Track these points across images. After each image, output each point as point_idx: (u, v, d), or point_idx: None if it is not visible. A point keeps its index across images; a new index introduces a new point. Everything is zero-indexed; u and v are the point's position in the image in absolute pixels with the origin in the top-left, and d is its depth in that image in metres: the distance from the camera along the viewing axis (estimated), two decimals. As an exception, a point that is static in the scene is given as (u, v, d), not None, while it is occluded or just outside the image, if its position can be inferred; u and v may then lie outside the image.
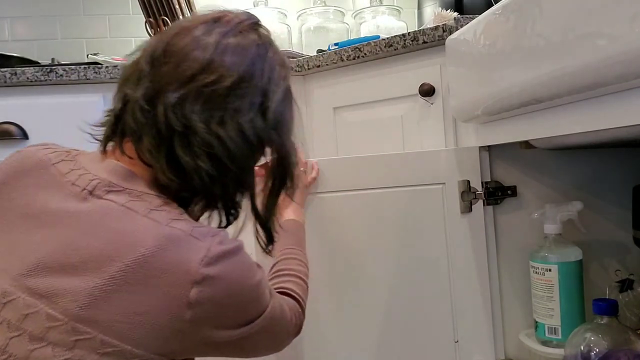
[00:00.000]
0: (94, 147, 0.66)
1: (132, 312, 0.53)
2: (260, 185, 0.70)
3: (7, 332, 0.52)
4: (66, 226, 0.56)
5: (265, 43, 0.67)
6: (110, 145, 0.65)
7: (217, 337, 0.59)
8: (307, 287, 0.82)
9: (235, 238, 0.62)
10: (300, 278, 0.81)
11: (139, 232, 0.55)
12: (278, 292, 0.74)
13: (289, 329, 0.71)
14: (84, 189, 0.58)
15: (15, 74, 1.08)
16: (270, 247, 0.73)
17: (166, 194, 0.61)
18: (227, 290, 0.57)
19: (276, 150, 0.68)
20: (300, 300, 0.77)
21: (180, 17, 1.46)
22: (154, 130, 0.60)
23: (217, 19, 0.66)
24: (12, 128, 1.06)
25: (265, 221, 0.71)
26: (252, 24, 0.68)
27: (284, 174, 0.70)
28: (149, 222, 0.56)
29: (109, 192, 0.58)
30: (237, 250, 0.60)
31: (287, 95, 0.69)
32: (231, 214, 0.67)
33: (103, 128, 0.66)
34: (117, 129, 0.63)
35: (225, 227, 0.68)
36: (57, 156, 0.63)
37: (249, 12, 0.70)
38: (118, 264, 0.53)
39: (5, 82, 1.08)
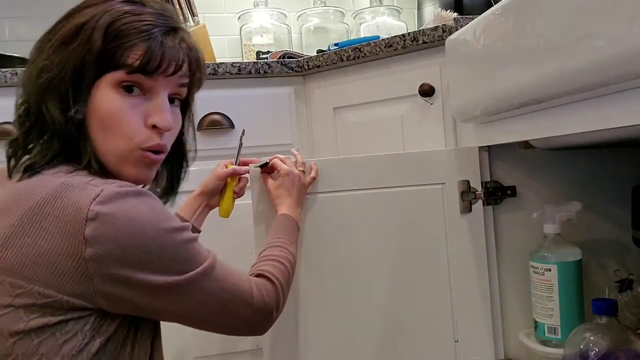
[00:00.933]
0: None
1: (34, 254, 0.56)
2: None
3: None
4: None
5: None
6: None
7: (137, 279, 0.59)
8: (290, 272, 0.80)
9: (148, 190, 0.63)
10: (280, 262, 0.79)
11: (39, 185, 0.59)
12: (252, 275, 0.73)
13: (248, 300, 0.68)
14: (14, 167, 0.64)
15: (16, 74, 1.08)
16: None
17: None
18: (125, 228, 0.58)
19: None
20: (274, 279, 0.74)
21: (181, 17, 1.46)
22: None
23: None
24: (13, 128, 1.06)
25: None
26: None
27: None
28: (52, 178, 0.60)
29: (39, 172, 0.62)
30: (140, 194, 0.61)
31: None
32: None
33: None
34: None
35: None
36: None
37: None
38: (17, 213, 0.58)
39: (5, 82, 1.08)
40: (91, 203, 0.57)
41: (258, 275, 0.74)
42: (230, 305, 0.67)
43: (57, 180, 0.59)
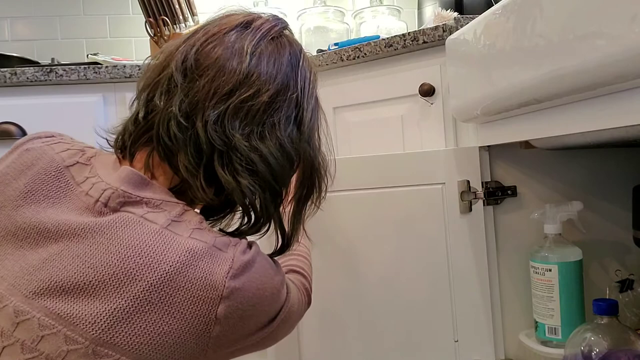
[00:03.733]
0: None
1: (156, 333, 0.50)
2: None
3: (21, 354, 0.49)
4: (80, 242, 0.53)
5: (296, 50, 0.67)
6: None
7: (242, 344, 0.58)
8: (310, 264, 0.82)
9: (249, 241, 0.61)
10: (303, 256, 0.81)
11: (159, 247, 0.53)
12: (286, 272, 0.75)
13: (301, 310, 0.72)
14: (98, 200, 0.55)
15: (15, 74, 1.08)
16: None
17: (183, 199, 0.60)
18: (253, 299, 0.56)
19: (309, 162, 0.67)
20: (305, 274, 0.77)
21: (180, 17, 1.46)
22: (193, 147, 0.58)
23: (247, 25, 0.65)
24: (12, 128, 1.06)
25: (290, 234, 0.69)
26: (282, 29, 0.67)
27: (312, 186, 0.69)
28: (169, 236, 0.54)
29: (124, 203, 0.56)
30: (257, 255, 0.59)
31: (317, 104, 0.69)
32: (262, 224, 0.65)
33: (116, 132, 0.64)
34: (141, 137, 0.61)
35: (246, 231, 0.65)
36: (71, 156, 0.60)
37: (276, 16, 0.70)
38: (140, 283, 0.51)
39: (5, 82, 1.08)
40: (226, 278, 0.53)
41: (291, 271, 0.76)
42: (295, 320, 0.69)
43: (182, 244, 0.53)
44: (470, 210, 0.99)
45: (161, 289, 0.51)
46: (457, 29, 0.96)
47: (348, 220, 1.00)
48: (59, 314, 0.50)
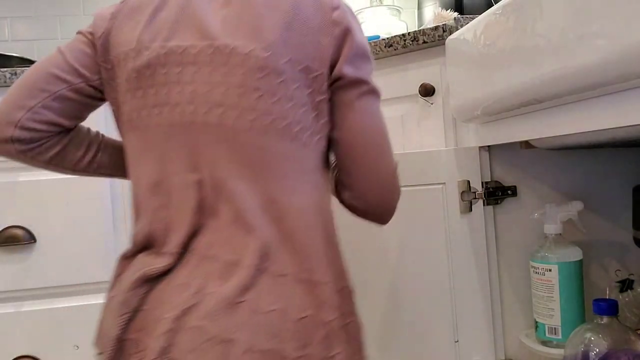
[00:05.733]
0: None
1: (299, 43, 0.64)
2: None
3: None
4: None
5: None
6: None
7: (344, 69, 0.67)
8: None
9: None
10: None
11: None
12: None
13: (396, 169, 0.78)
14: None
15: (15, 74, 1.08)
16: None
17: None
18: (354, 22, 0.69)
19: None
20: None
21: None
22: None
23: None
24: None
25: None
26: None
27: None
28: None
29: None
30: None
31: None
32: None
33: None
34: None
35: None
36: None
37: None
38: (278, 14, 0.65)
39: (5, 82, 1.08)
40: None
41: None
42: (389, 155, 0.76)
43: None
44: (470, 210, 0.99)
45: (293, 13, 0.66)
46: (457, 29, 0.96)
47: (348, 220, 1.00)
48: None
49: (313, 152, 0.67)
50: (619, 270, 0.99)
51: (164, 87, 0.64)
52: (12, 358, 1.05)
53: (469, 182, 0.98)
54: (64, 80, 0.70)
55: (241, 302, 0.57)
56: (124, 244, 1.12)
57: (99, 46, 0.70)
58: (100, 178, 1.08)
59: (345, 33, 0.67)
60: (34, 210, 1.07)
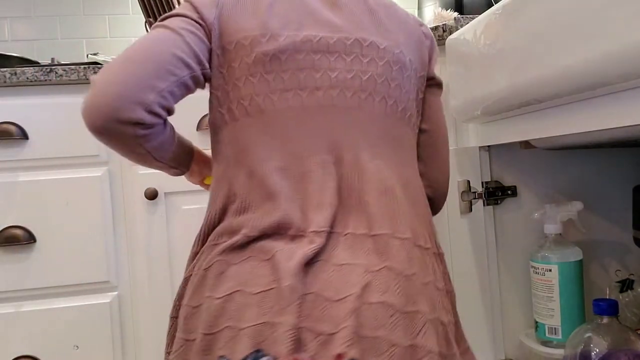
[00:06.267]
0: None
1: (414, 48, 0.74)
2: None
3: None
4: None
5: None
6: None
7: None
8: None
9: None
10: None
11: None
12: None
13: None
14: None
15: (15, 74, 1.08)
16: None
17: None
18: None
19: None
20: None
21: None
22: None
23: None
24: (12, 128, 1.06)
25: None
26: None
27: None
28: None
29: None
30: None
31: None
32: None
33: None
34: None
35: None
36: None
37: None
38: (396, 21, 0.74)
39: (5, 82, 1.08)
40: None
41: None
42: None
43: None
44: (470, 210, 0.98)
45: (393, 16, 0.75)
46: (457, 29, 0.96)
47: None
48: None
49: (416, 140, 0.75)
50: (619, 270, 0.99)
51: (301, 72, 0.65)
52: (12, 358, 1.05)
53: (469, 182, 0.98)
54: (188, 66, 0.64)
55: (412, 274, 0.59)
56: (124, 244, 1.12)
57: (214, 32, 0.66)
58: (100, 178, 1.08)
59: (433, 44, 0.79)
60: (34, 210, 1.06)
